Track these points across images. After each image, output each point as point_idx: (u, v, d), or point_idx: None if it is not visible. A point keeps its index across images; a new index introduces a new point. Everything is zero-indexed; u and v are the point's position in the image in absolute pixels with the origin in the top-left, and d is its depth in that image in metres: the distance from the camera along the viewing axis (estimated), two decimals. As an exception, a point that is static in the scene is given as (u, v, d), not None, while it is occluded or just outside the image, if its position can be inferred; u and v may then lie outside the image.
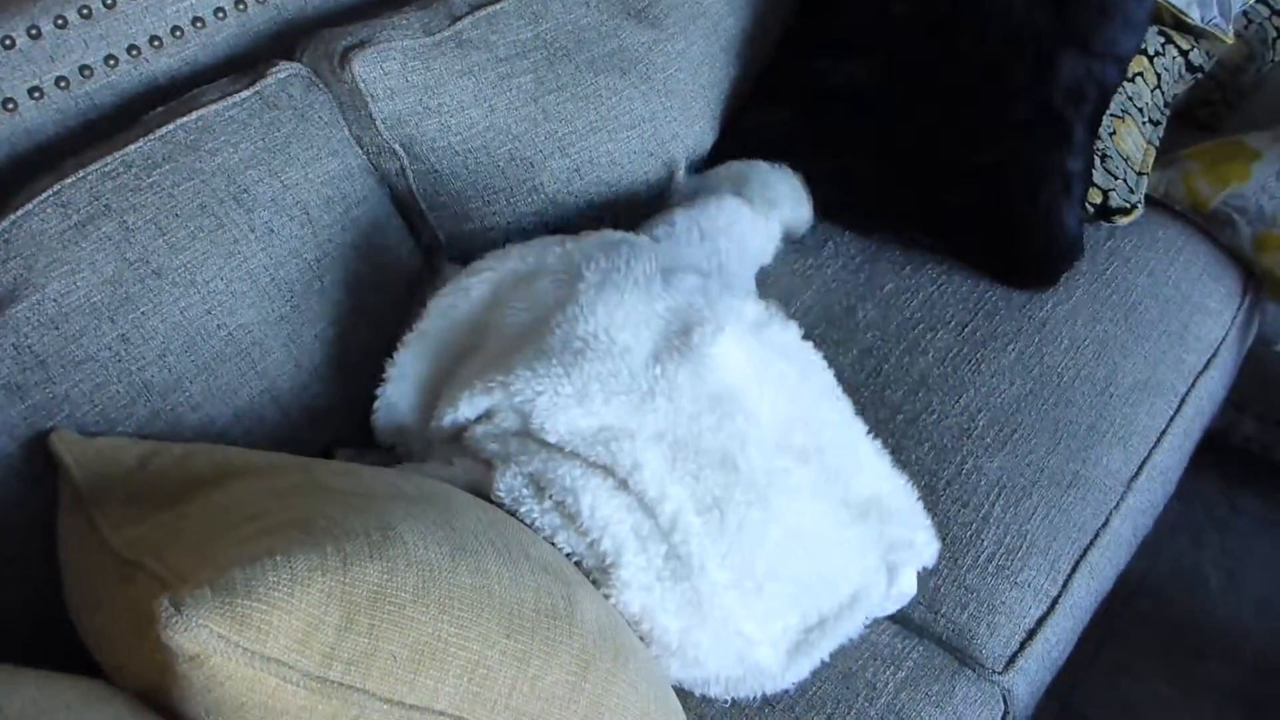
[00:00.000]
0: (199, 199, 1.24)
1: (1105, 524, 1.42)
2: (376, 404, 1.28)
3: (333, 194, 1.35)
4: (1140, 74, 1.81)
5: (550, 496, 1.09)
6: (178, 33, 1.39)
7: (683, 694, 1.14)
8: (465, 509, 0.97)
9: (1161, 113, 1.86)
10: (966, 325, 1.59)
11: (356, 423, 1.36)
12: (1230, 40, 1.93)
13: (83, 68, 1.31)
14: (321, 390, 1.32)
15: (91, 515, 0.98)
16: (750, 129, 1.75)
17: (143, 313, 1.18)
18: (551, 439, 1.11)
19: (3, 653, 0.99)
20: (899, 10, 1.68)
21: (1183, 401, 1.60)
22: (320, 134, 1.36)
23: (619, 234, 1.36)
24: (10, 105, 1.26)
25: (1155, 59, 1.84)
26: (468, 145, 1.48)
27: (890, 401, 1.49)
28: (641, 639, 1.08)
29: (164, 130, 1.24)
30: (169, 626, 0.74)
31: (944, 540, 1.34)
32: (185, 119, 1.26)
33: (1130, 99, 1.79)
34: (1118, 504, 1.44)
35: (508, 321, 1.24)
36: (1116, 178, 1.73)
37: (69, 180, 1.17)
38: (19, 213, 1.14)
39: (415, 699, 0.81)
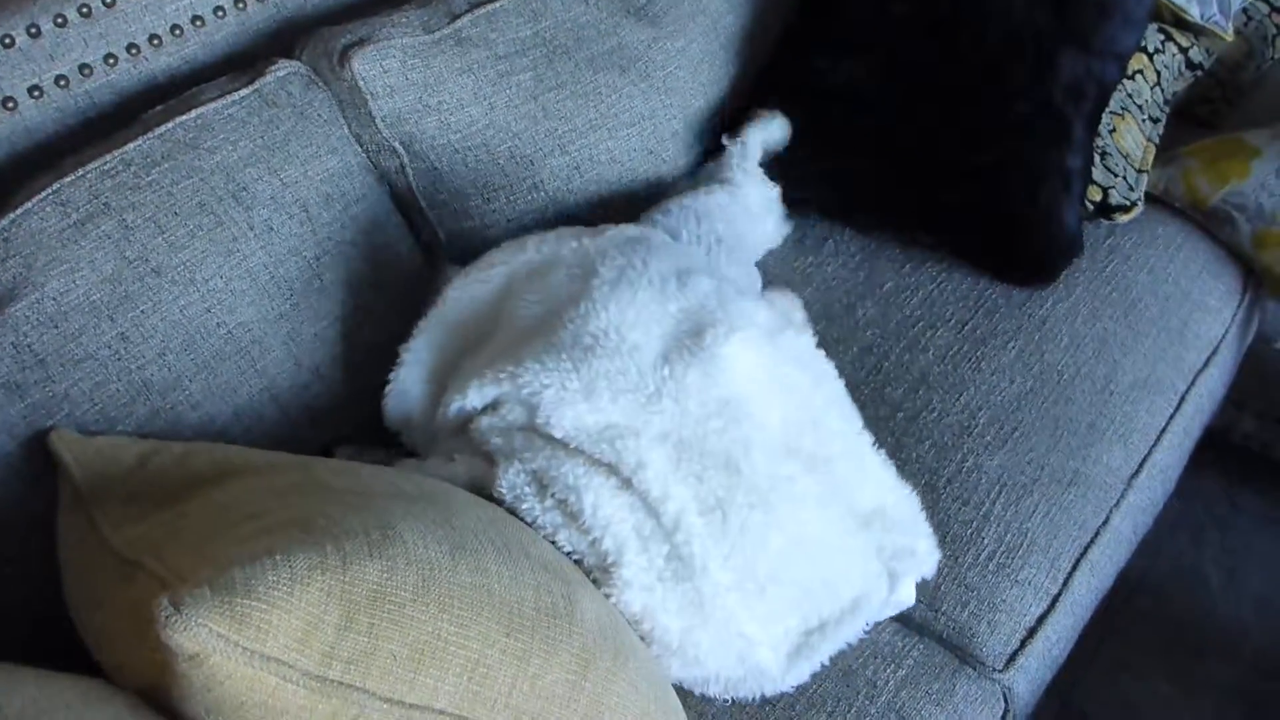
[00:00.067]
0: (198, 197, 1.24)
1: (1106, 522, 1.42)
2: (388, 389, 1.28)
3: (332, 192, 1.35)
4: (1140, 71, 1.81)
5: (552, 495, 1.09)
6: (177, 31, 1.39)
7: (682, 693, 1.14)
8: (465, 508, 0.97)
9: (1161, 110, 1.86)
10: (966, 323, 1.59)
11: (356, 421, 1.36)
12: (1230, 37, 1.93)
13: (82, 66, 1.31)
14: (321, 389, 1.32)
15: (91, 514, 0.98)
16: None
17: (142, 311, 1.18)
18: (557, 434, 1.11)
19: (3, 652, 0.99)
20: (899, 9, 1.68)
21: (1183, 399, 1.60)
22: (319, 132, 1.36)
23: (637, 230, 1.36)
24: (10, 104, 1.26)
25: (1155, 56, 1.84)
26: (467, 143, 1.48)
27: (890, 399, 1.49)
28: (642, 638, 1.08)
29: (163, 128, 1.24)
30: (168, 626, 0.74)
31: (944, 538, 1.34)
32: (184, 117, 1.26)
33: (1130, 96, 1.79)
34: (1118, 502, 1.44)
35: (520, 313, 1.25)
36: (1116, 175, 1.73)
37: (68, 179, 1.17)
38: (18, 211, 1.14)
39: (415, 698, 0.81)
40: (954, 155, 1.63)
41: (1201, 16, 1.89)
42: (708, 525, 1.10)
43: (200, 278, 1.22)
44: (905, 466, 1.40)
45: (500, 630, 0.86)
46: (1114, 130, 1.74)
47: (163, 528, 0.92)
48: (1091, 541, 1.40)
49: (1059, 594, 1.34)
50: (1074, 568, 1.37)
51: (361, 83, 1.40)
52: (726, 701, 1.17)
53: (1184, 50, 1.88)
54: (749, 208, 1.64)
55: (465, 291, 1.30)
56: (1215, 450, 2.11)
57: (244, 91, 1.31)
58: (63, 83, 1.30)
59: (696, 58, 1.70)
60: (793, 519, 1.13)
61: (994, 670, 1.28)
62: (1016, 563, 1.33)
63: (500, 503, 1.10)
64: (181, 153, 1.24)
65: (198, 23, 1.41)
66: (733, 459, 1.12)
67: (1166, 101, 1.87)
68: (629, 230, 1.36)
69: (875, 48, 1.69)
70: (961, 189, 1.63)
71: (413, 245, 1.47)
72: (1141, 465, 1.49)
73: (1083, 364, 1.54)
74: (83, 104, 1.33)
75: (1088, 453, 1.45)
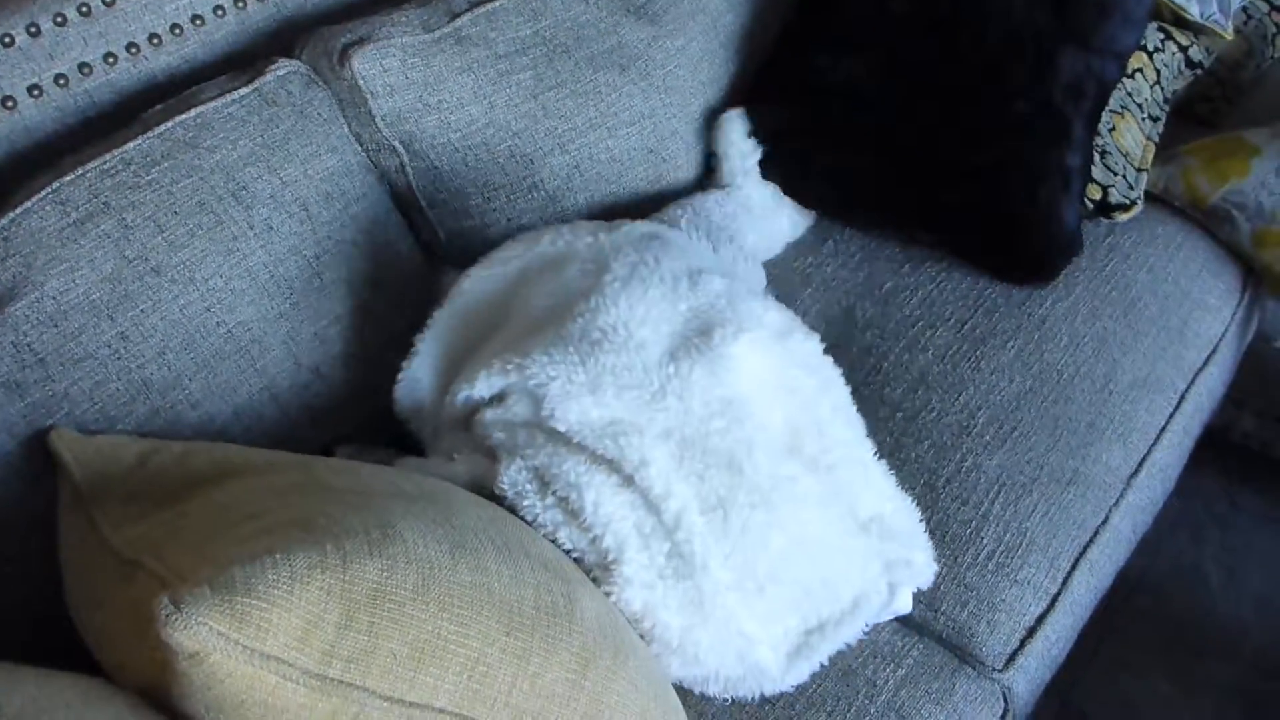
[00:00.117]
0: (198, 196, 1.24)
1: (1105, 521, 1.42)
2: (400, 377, 1.29)
3: (332, 191, 1.35)
4: (1140, 70, 1.81)
5: (554, 492, 1.09)
6: (177, 30, 1.39)
7: (682, 692, 1.14)
8: (465, 507, 0.97)
9: (1161, 109, 1.86)
10: (966, 323, 1.59)
11: (356, 420, 1.36)
12: (1230, 36, 1.93)
13: (82, 65, 1.31)
14: (321, 388, 1.32)
15: (91, 514, 0.98)
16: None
17: (142, 310, 1.18)
18: (560, 427, 1.11)
19: (3, 651, 0.99)
20: (899, 8, 1.68)
21: (1182, 398, 1.60)
22: (319, 131, 1.36)
23: (652, 226, 1.37)
24: (10, 103, 1.26)
25: (1155, 55, 1.84)
26: (467, 142, 1.48)
27: (890, 399, 1.49)
28: (642, 637, 1.08)
29: (163, 128, 1.24)
30: (169, 624, 0.74)
31: (944, 538, 1.34)
32: (184, 116, 1.26)
33: (1130, 95, 1.79)
34: (1117, 501, 1.44)
35: (532, 305, 1.25)
36: (1116, 174, 1.73)
37: (68, 178, 1.17)
38: (18, 210, 1.14)
39: (415, 696, 0.81)
40: (953, 154, 1.63)
41: (1201, 15, 1.89)
42: (709, 524, 1.10)
43: (200, 277, 1.22)
44: (904, 466, 1.41)
45: (500, 629, 0.86)
46: (1114, 129, 1.74)
47: (163, 527, 0.92)
48: (1091, 541, 1.40)
49: (1058, 593, 1.34)
50: (1073, 567, 1.37)
51: (361, 82, 1.40)
52: (726, 701, 1.17)
53: (1184, 49, 1.88)
54: (751, 209, 1.64)
55: (480, 282, 1.31)
56: (1215, 449, 2.11)
57: (244, 90, 1.31)
58: (62, 82, 1.30)
59: (696, 56, 1.71)
60: (794, 519, 1.13)
61: (993, 670, 1.28)
62: (1016, 562, 1.33)
63: (501, 499, 1.10)
64: (181, 152, 1.24)
65: (197, 22, 1.41)
66: (735, 459, 1.12)
67: (1166, 100, 1.87)
68: (644, 227, 1.36)
69: (875, 46, 1.69)
70: (961, 188, 1.63)
71: (413, 244, 1.47)
72: (1141, 464, 1.49)
73: (1082, 363, 1.54)
74: (82, 103, 1.33)
75: (1087, 452, 1.45)
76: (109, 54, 1.33)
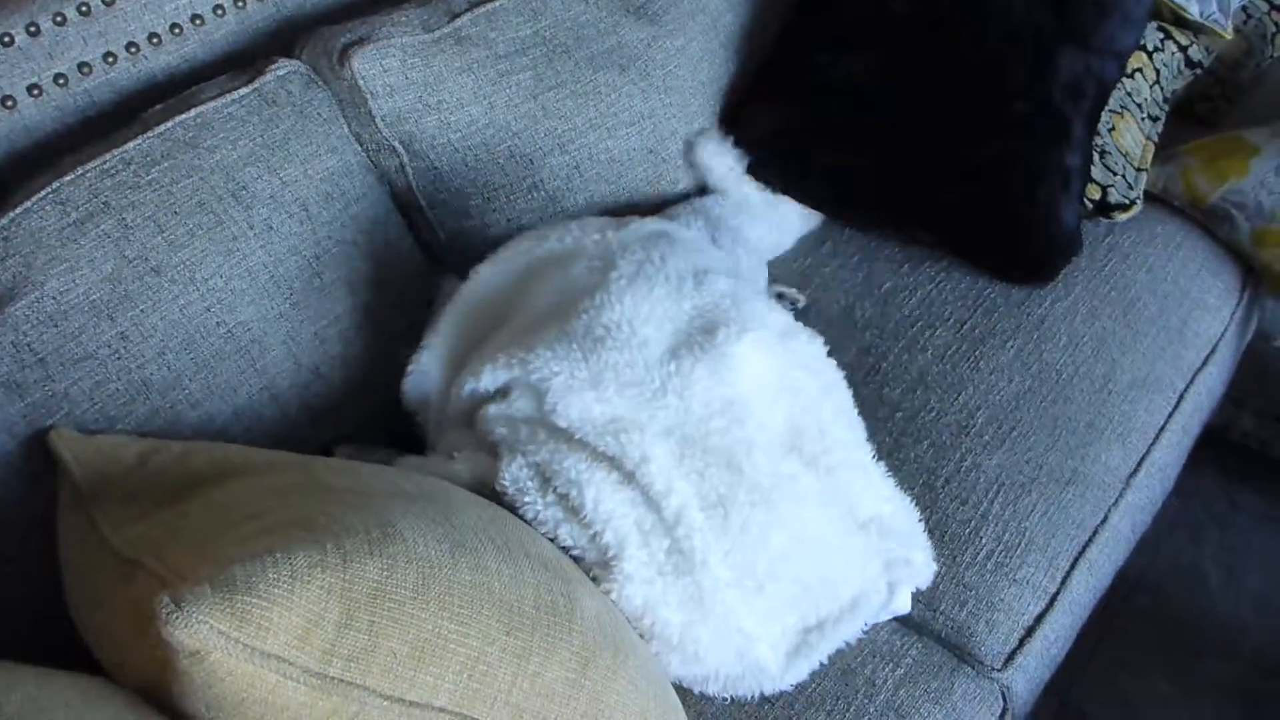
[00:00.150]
0: (198, 196, 1.24)
1: (1104, 521, 1.42)
2: (410, 369, 1.30)
3: (332, 191, 1.35)
4: (1139, 70, 1.81)
5: (554, 489, 1.09)
6: (177, 30, 1.39)
7: (682, 691, 1.14)
8: (465, 506, 0.97)
9: (1160, 108, 1.86)
10: (965, 323, 1.59)
11: (356, 420, 1.36)
12: (1229, 36, 1.93)
13: (81, 65, 1.31)
14: (321, 388, 1.32)
15: (91, 513, 0.98)
16: (749, 125, 1.75)
17: (142, 310, 1.18)
18: (561, 423, 1.12)
19: (2, 650, 0.99)
20: (899, 8, 1.68)
21: (1181, 397, 1.60)
22: (319, 131, 1.36)
23: (660, 225, 1.38)
24: (9, 103, 1.26)
25: (1154, 54, 1.84)
26: (467, 142, 1.48)
27: (889, 399, 1.49)
28: (642, 635, 1.08)
29: (163, 127, 1.24)
30: (169, 623, 0.74)
31: (943, 537, 1.34)
32: (184, 116, 1.26)
33: (1129, 95, 1.79)
34: (1116, 501, 1.44)
35: (538, 300, 1.26)
36: (1115, 174, 1.73)
37: (68, 178, 1.17)
38: (18, 210, 1.14)
39: (415, 695, 0.81)
40: (953, 153, 1.63)
41: (1201, 14, 1.89)
42: (709, 521, 1.10)
43: (200, 277, 1.22)
44: (903, 466, 1.41)
45: (500, 628, 0.86)
46: (1113, 129, 1.74)
47: (163, 527, 0.92)
48: (1090, 540, 1.40)
49: (1057, 593, 1.34)
50: (1072, 567, 1.37)
51: (361, 82, 1.40)
52: (725, 700, 1.17)
53: (1183, 48, 1.89)
54: (750, 206, 1.65)
55: (489, 278, 1.33)
56: (1214, 448, 2.11)
57: (244, 90, 1.31)
58: (62, 81, 1.30)
59: (696, 56, 1.71)
60: (794, 517, 1.13)
61: (992, 669, 1.28)
62: (1015, 562, 1.33)
63: (502, 496, 1.10)
64: (181, 151, 1.24)
65: (197, 21, 1.41)
66: (735, 458, 1.12)
67: (1166, 100, 1.87)
68: (652, 225, 1.37)
69: (875, 45, 1.69)
70: (960, 187, 1.63)
71: (412, 244, 1.47)
72: (1140, 464, 1.49)
73: (1081, 363, 1.54)
74: (82, 102, 1.33)
75: (1086, 451, 1.45)
76: (109, 53, 1.33)
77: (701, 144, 1.67)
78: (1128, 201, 1.74)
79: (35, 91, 1.28)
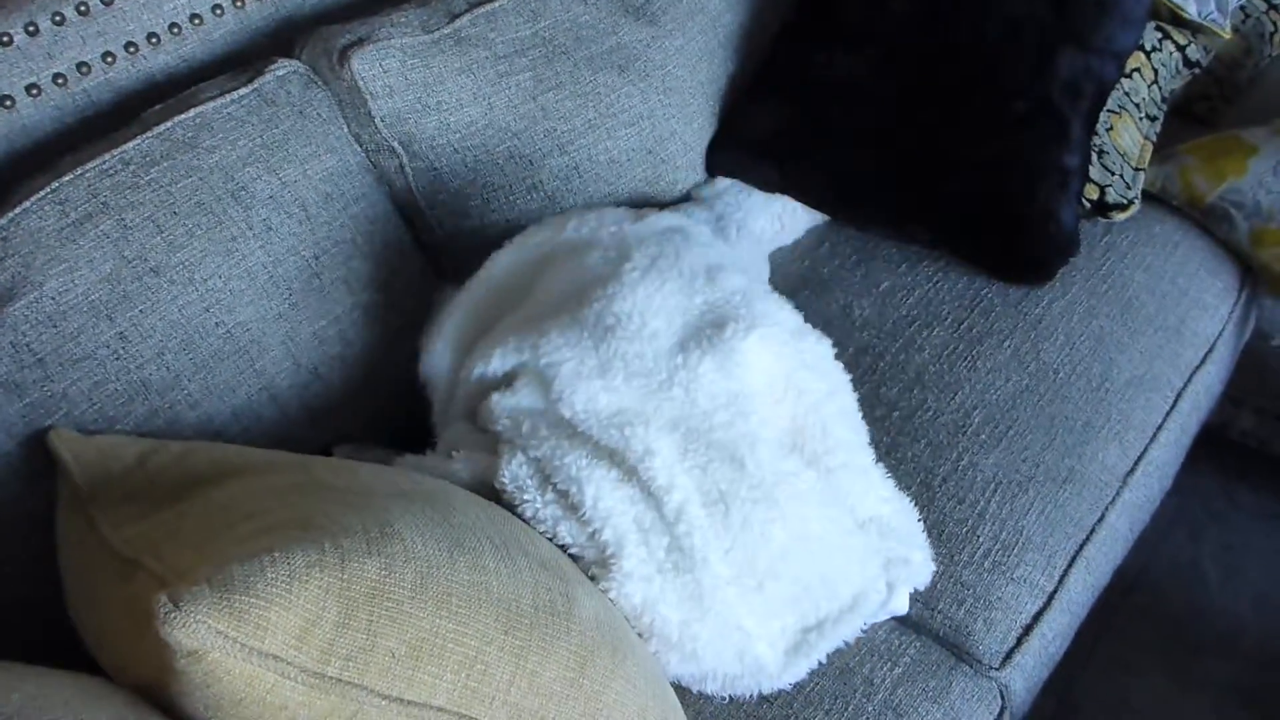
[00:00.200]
0: (197, 196, 1.24)
1: (1101, 519, 1.42)
2: (427, 348, 1.31)
3: (331, 191, 1.35)
4: (1137, 69, 1.81)
5: (555, 486, 1.09)
6: (176, 30, 1.39)
7: (680, 690, 1.14)
8: (463, 506, 0.97)
9: (1159, 108, 1.86)
10: (962, 322, 1.59)
11: (355, 420, 1.36)
12: (1228, 35, 1.93)
13: (80, 65, 1.32)
14: (320, 388, 1.33)
15: (91, 513, 0.98)
16: (748, 124, 1.75)
17: (141, 310, 1.19)
18: (566, 412, 1.13)
19: (3, 650, 0.99)
20: (899, 6, 1.68)
21: (1179, 396, 1.60)
22: (319, 131, 1.36)
23: (676, 220, 1.40)
24: (8, 102, 1.26)
25: (1152, 54, 1.84)
26: (466, 143, 1.48)
27: (886, 398, 1.49)
28: (641, 634, 1.08)
29: (162, 128, 1.25)
30: (167, 622, 0.74)
31: (940, 536, 1.34)
32: (183, 116, 1.26)
33: (1127, 94, 1.79)
34: (1114, 499, 1.45)
35: (551, 288, 1.27)
36: (1113, 173, 1.73)
37: (67, 178, 1.17)
38: (16, 210, 1.14)
39: (413, 695, 0.82)
40: (952, 152, 1.64)
41: (1199, 14, 1.89)
42: (710, 517, 1.10)
43: (199, 277, 1.23)
44: (901, 465, 1.41)
45: (498, 627, 0.86)
46: (1111, 128, 1.74)
47: (162, 527, 0.92)
48: (1087, 539, 1.40)
49: (1055, 591, 1.35)
50: (1070, 565, 1.37)
51: (361, 82, 1.40)
52: (724, 699, 1.17)
53: (1181, 48, 1.89)
54: (756, 198, 1.67)
55: (505, 264, 1.34)
56: (1213, 446, 2.11)
57: (243, 90, 1.32)
58: (61, 81, 1.30)
59: (695, 56, 1.71)
60: (795, 515, 1.14)
61: (990, 668, 1.28)
62: (1012, 560, 1.34)
63: (501, 494, 1.10)
64: (180, 152, 1.24)
65: (196, 21, 1.41)
66: (737, 454, 1.12)
67: (1164, 99, 1.87)
68: (669, 219, 1.39)
69: (874, 43, 1.70)
70: (959, 186, 1.63)
71: (411, 245, 1.47)
72: (1138, 462, 1.50)
73: (1079, 362, 1.55)
74: (81, 102, 1.33)
75: (1084, 450, 1.45)
76: (107, 53, 1.34)
77: (697, 190, 1.70)
78: (1125, 201, 1.74)
79: (34, 91, 1.28)
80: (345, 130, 1.40)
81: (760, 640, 1.12)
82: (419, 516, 0.90)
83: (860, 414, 1.28)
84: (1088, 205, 1.71)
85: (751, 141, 1.72)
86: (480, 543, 0.91)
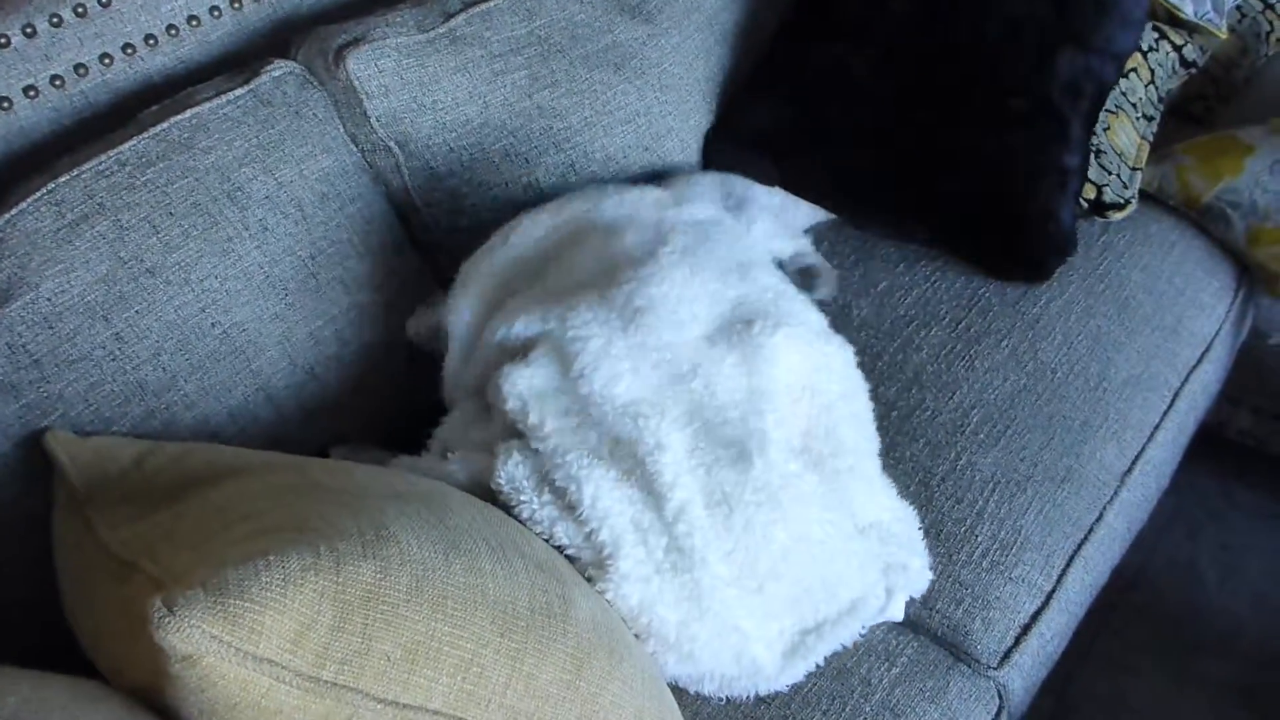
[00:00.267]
0: (193, 197, 1.24)
1: (1099, 518, 1.42)
2: (452, 304, 1.30)
3: (327, 191, 1.35)
4: (1134, 69, 1.81)
5: (553, 483, 1.09)
6: (173, 31, 1.39)
7: (677, 691, 1.14)
8: (459, 507, 0.97)
9: (1155, 108, 1.86)
10: (960, 322, 1.59)
11: (351, 421, 1.36)
12: (1224, 35, 1.93)
13: (78, 66, 1.31)
14: (316, 389, 1.32)
15: (87, 515, 0.98)
16: (746, 122, 1.75)
17: (137, 311, 1.18)
18: (584, 389, 1.12)
19: (1, 652, 0.99)
20: (898, 5, 1.68)
21: (1176, 395, 1.60)
22: (315, 131, 1.36)
23: (715, 213, 1.40)
24: (5, 104, 1.26)
25: (1149, 54, 1.84)
26: (462, 141, 1.48)
27: (884, 398, 1.49)
28: (638, 635, 1.08)
29: (158, 128, 1.25)
30: (162, 627, 0.74)
31: (938, 536, 1.34)
32: (179, 117, 1.26)
33: (1124, 94, 1.79)
34: (1112, 498, 1.45)
35: (583, 263, 1.27)
36: (1110, 173, 1.73)
37: (63, 179, 1.17)
38: (13, 211, 1.14)
39: (409, 698, 0.82)
40: (951, 151, 1.64)
41: (1196, 14, 1.89)
42: (711, 519, 1.10)
43: (195, 278, 1.23)
44: (899, 465, 1.41)
45: (494, 630, 0.86)
46: (1108, 128, 1.74)
47: (158, 528, 0.92)
48: (1085, 538, 1.40)
49: (1053, 591, 1.35)
50: (1068, 564, 1.37)
51: (356, 82, 1.40)
52: (721, 700, 1.17)
53: (1178, 48, 1.89)
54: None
55: (532, 231, 1.33)
56: (1211, 445, 2.11)
57: (239, 91, 1.31)
58: (58, 82, 1.30)
59: (692, 54, 1.71)
60: (798, 518, 1.13)
61: (988, 667, 1.28)
62: (1010, 560, 1.34)
63: (498, 495, 1.10)
64: (176, 153, 1.24)
65: (193, 22, 1.41)
66: (746, 451, 1.12)
67: (1160, 99, 1.87)
68: (708, 211, 1.39)
69: (873, 41, 1.70)
70: (958, 185, 1.63)
71: (408, 245, 1.47)
72: (1135, 462, 1.50)
73: (1076, 361, 1.55)
74: (78, 104, 1.33)
75: (1081, 450, 1.45)
76: (105, 55, 1.33)
77: None
78: (1122, 201, 1.74)
79: (31, 93, 1.28)
80: (341, 130, 1.40)
81: (758, 642, 1.12)
82: (415, 519, 0.90)
83: (874, 423, 1.28)
84: (1085, 205, 1.71)
85: (749, 137, 1.72)
86: (476, 545, 0.91)
